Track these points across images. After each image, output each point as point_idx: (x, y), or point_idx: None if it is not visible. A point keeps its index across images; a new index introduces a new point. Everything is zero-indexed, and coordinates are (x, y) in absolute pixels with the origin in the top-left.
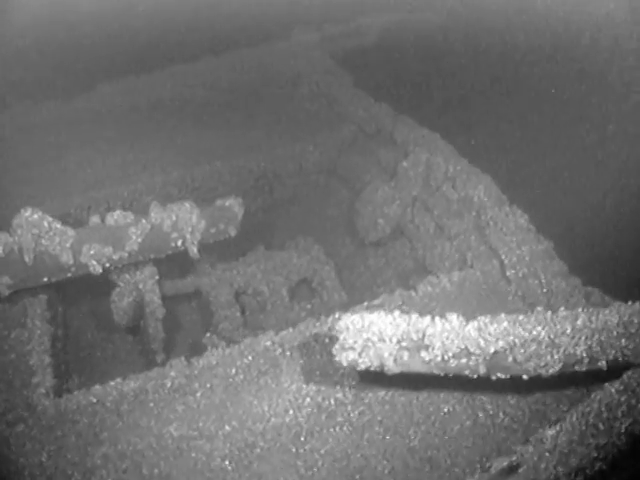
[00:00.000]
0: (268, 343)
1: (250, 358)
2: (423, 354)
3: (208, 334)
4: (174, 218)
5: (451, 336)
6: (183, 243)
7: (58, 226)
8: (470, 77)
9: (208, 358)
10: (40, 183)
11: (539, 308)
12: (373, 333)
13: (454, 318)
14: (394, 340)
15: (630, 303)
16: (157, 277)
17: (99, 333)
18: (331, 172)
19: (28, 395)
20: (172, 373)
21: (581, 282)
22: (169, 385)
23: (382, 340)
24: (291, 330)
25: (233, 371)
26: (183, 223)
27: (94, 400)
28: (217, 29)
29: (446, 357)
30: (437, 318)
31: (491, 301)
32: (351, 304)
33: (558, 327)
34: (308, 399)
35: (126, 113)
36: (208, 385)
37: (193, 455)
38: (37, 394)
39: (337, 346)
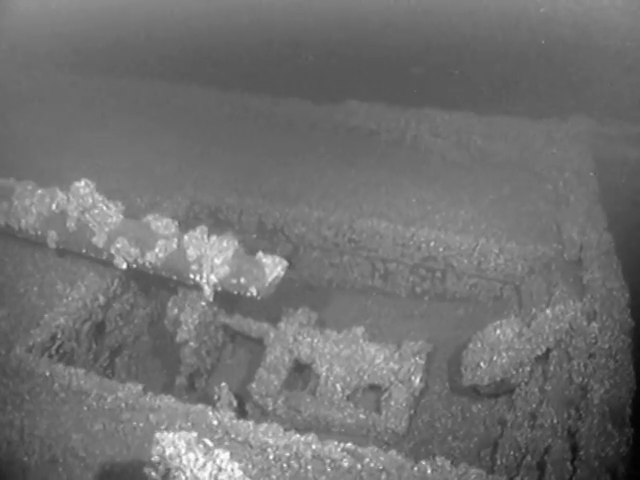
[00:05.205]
0: (215, 422)
1: (189, 425)
2: None
3: (223, 384)
4: (202, 250)
5: None
6: (200, 279)
7: (104, 207)
8: None
9: (156, 401)
10: None
11: None
12: (173, 467)
13: None
14: None
15: None
16: (203, 303)
17: (152, 328)
18: (517, 288)
19: (12, 341)
20: (120, 393)
21: None
22: (108, 400)
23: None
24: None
25: (163, 426)
26: (206, 259)
27: (47, 374)
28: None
29: None
30: None
31: None
32: (404, 443)
33: None
34: None
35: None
36: (134, 423)
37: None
38: (20, 343)
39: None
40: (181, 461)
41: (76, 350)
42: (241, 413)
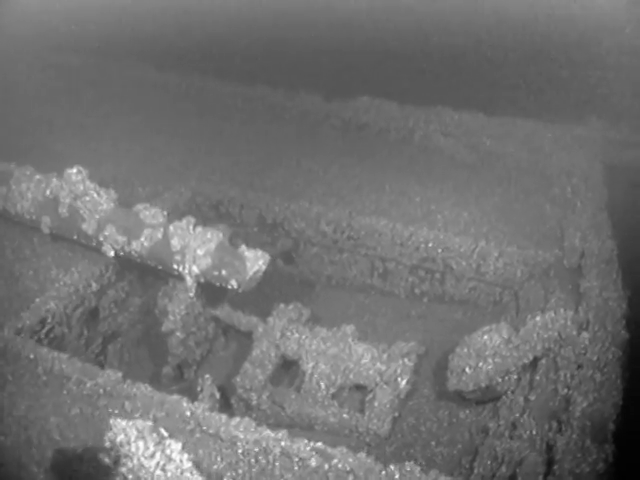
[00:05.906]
0: (188, 413)
1: (163, 414)
2: None
3: (207, 376)
4: (186, 241)
5: None
6: (183, 269)
7: (95, 194)
8: None
9: (133, 389)
10: None
11: None
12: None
13: None
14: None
15: None
16: (191, 294)
17: (147, 317)
18: (516, 295)
19: (2, 323)
20: (100, 379)
21: None
22: (87, 386)
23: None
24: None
25: (137, 414)
26: (189, 250)
27: (31, 356)
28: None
29: None
30: None
31: None
32: (386, 445)
33: None
34: None
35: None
36: (110, 410)
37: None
38: (9, 326)
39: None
40: (130, 449)
41: (67, 335)
42: (225, 406)
